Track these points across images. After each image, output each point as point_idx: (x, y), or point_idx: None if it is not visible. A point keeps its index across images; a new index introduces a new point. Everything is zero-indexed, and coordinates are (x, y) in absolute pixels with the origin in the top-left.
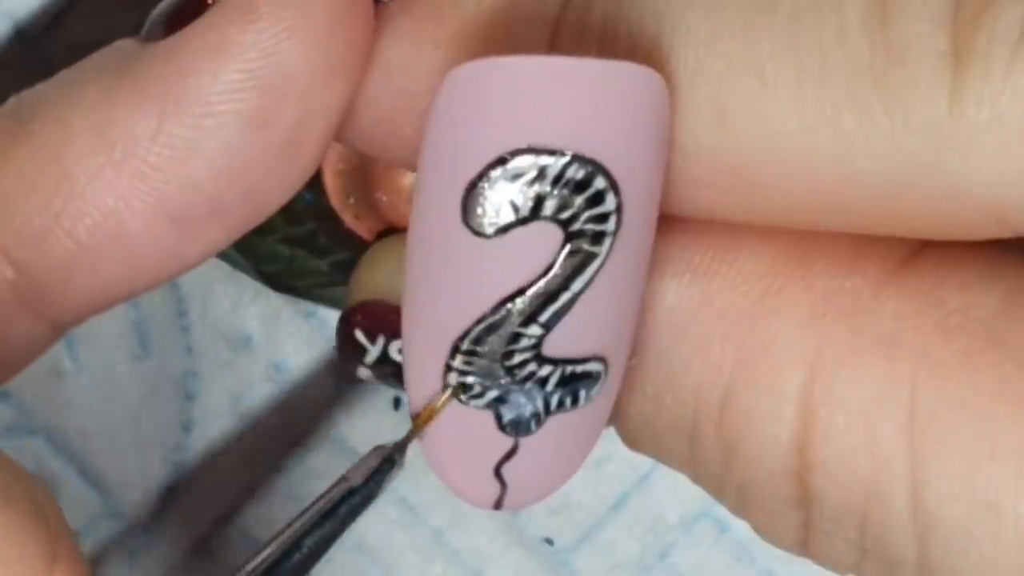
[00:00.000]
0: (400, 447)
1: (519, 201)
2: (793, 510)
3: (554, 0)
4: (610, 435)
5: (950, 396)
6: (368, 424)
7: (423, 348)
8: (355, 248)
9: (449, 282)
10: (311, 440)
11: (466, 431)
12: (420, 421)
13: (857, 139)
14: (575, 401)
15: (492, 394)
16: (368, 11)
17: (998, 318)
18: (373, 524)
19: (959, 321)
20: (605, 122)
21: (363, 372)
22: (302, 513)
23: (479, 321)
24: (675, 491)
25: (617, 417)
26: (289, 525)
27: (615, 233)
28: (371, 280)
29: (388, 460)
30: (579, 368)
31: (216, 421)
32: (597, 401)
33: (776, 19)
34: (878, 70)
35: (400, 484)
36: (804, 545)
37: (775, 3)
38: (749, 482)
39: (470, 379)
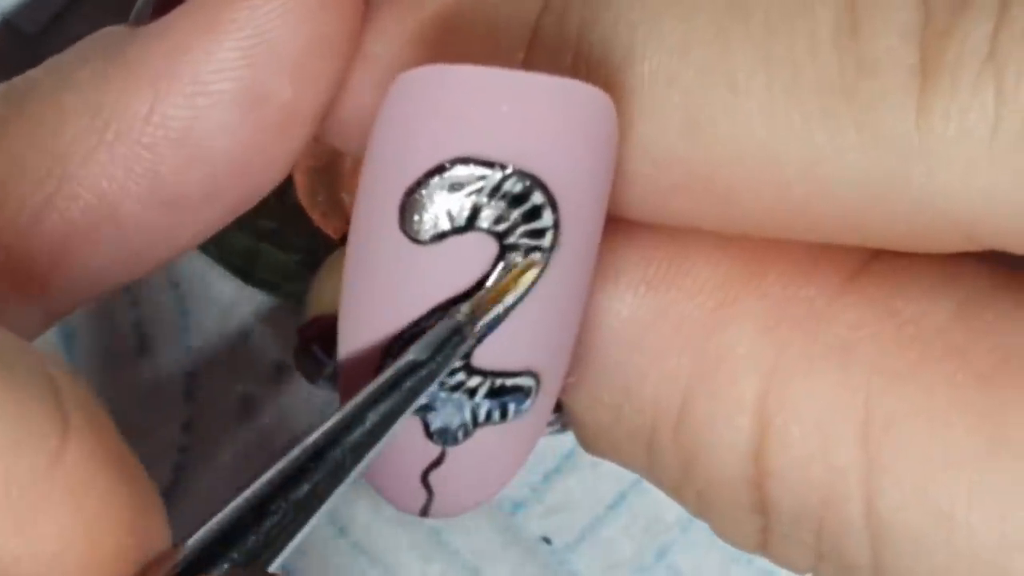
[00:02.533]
0: (471, 320)
1: (455, 210)
2: (751, 515)
3: (533, 3)
4: None
5: (904, 405)
6: None
7: (357, 350)
8: (323, 246)
9: (384, 287)
10: None
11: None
12: (506, 285)
13: (826, 150)
14: (504, 415)
15: (420, 400)
16: None
17: (953, 327)
18: (372, 523)
19: (913, 331)
20: (548, 138)
21: (322, 384)
22: (367, 387)
23: (411, 327)
24: None
25: (576, 425)
26: (352, 400)
27: (551, 249)
28: (326, 294)
29: (456, 332)
30: (509, 382)
31: (216, 421)
32: (528, 416)
33: (749, 29)
34: (848, 82)
35: None
36: (763, 547)
37: (748, 13)
38: (708, 488)
39: None
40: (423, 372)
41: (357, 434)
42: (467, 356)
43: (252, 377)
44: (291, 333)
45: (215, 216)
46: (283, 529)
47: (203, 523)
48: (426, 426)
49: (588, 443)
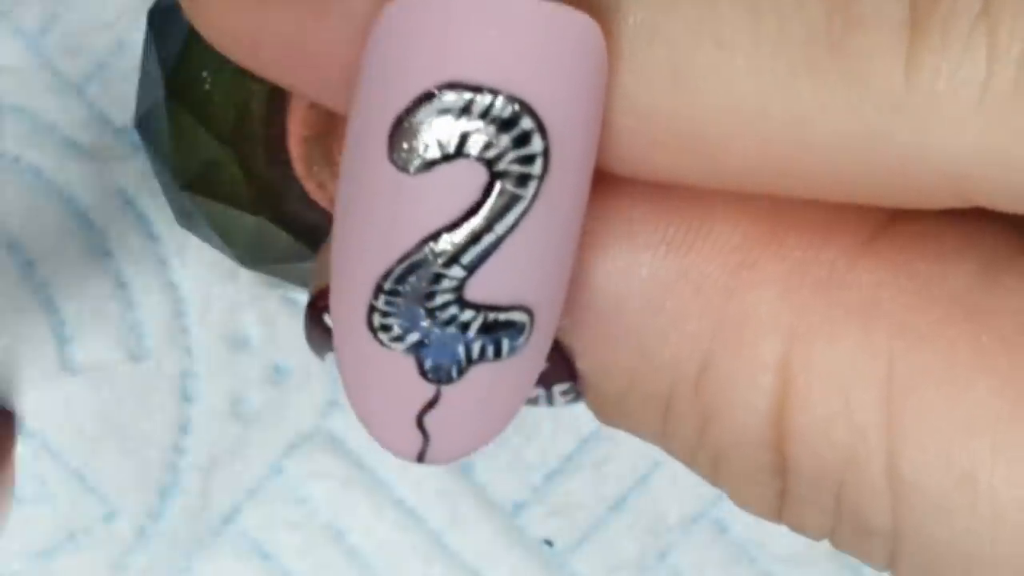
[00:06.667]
0: None
1: (444, 137)
2: (770, 478)
3: None
4: (609, 435)
5: (927, 367)
6: None
7: (348, 287)
8: (321, 220)
9: (373, 219)
10: (311, 441)
11: (389, 377)
12: None
13: (812, 105)
14: (498, 352)
15: (413, 337)
16: None
17: (975, 288)
18: (373, 527)
19: (936, 292)
20: (536, 63)
21: (332, 357)
22: None
23: (401, 260)
24: (674, 492)
25: (590, 391)
26: None
27: (541, 177)
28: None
29: None
30: (502, 316)
31: (215, 422)
32: (523, 356)
33: None
34: (835, 37)
35: (399, 486)
36: (779, 512)
37: None
38: (725, 452)
39: (391, 320)
40: None
41: None
42: (459, 289)
43: (251, 378)
44: (290, 335)
45: None
46: None
47: None
48: (420, 364)
49: (601, 410)
